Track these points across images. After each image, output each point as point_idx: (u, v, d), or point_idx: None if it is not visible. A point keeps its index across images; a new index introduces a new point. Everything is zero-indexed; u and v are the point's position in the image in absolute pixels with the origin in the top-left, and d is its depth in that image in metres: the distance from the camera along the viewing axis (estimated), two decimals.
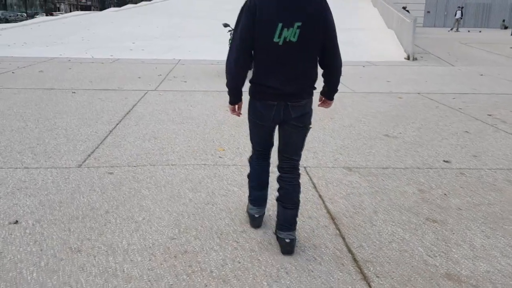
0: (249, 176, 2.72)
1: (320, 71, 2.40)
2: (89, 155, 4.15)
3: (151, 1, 36.16)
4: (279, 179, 2.52)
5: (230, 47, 2.34)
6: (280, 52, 2.23)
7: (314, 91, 2.41)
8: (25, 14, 54.54)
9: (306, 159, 4.12)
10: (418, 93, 7.61)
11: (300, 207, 2.58)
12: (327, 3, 2.29)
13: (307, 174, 3.75)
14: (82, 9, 73.43)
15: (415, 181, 3.64)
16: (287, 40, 2.21)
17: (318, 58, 2.34)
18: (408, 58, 12.53)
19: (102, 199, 3.18)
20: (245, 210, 2.96)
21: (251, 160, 2.68)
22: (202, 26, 19.21)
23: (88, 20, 21.75)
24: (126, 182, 3.51)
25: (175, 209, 3.04)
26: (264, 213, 2.79)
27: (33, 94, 6.90)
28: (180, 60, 11.74)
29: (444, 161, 4.17)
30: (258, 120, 2.43)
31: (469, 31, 29.20)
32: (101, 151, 4.26)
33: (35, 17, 42.92)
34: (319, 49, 2.31)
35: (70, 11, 71.63)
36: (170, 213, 2.98)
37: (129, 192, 3.31)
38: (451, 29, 30.51)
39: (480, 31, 29.77)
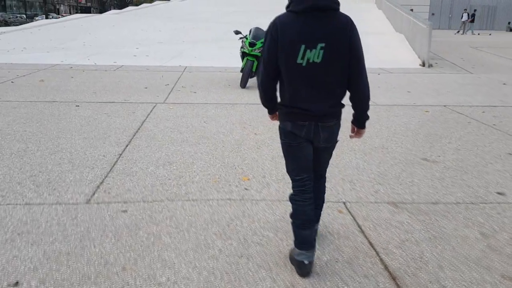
0: (291, 215, 2.48)
1: (347, 94, 2.37)
2: (98, 186, 3.68)
3: (152, 4, 35.74)
4: None
5: (258, 70, 2.37)
6: (304, 73, 2.23)
7: (342, 109, 2.40)
8: (25, 16, 54.10)
9: (344, 191, 3.65)
10: (444, 106, 7.15)
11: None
12: (353, 24, 2.25)
13: (349, 212, 3.28)
14: (81, 11, 72.89)
15: (473, 222, 3.17)
16: (311, 61, 2.21)
17: (344, 79, 2.31)
18: (423, 65, 12.07)
19: (117, 249, 2.71)
20: (287, 261, 2.61)
21: (292, 195, 2.48)
22: (205, 31, 18.78)
23: (89, 23, 21.29)
24: (142, 224, 3.04)
25: (203, 265, 2.57)
26: (314, 259, 2.47)
27: (34, 108, 6.43)
28: (186, 67, 11.28)
29: (497, 193, 3.70)
30: (291, 140, 2.38)
31: (479, 34, 28.73)
32: (112, 181, 3.79)
33: (35, 19, 42.47)
34: (345, 70, 2.27)
35: (70, 13, 71.18)
36: (199, 271, 2.51)
37: (147, 239, 2.83)
38: (457, 31, 30.09)
39: (490, 34, 29.32)
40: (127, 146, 4.78)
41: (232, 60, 12.19)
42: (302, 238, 2.41)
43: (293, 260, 2.48)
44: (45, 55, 12.72)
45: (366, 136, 5.26)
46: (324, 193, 2.69)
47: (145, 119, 5.96)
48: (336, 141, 2.48)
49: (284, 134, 2.40)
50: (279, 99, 2.42)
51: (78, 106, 6.65)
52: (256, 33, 8.35)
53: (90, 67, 10.85)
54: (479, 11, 37.44)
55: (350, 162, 4.38)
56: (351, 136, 2.56)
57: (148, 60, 12.30)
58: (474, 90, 8.62)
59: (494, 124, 5.99)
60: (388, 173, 4.09)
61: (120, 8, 32.89)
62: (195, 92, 7.95)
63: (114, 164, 4.21)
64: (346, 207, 3.35)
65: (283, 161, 2.59)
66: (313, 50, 2.19)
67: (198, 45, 15.16)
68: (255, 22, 22.63)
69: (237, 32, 8.67)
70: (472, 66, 12.59)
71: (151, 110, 6.48)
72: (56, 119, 5.82)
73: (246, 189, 3.68)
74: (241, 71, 8.44)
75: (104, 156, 4.45)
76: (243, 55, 8.46)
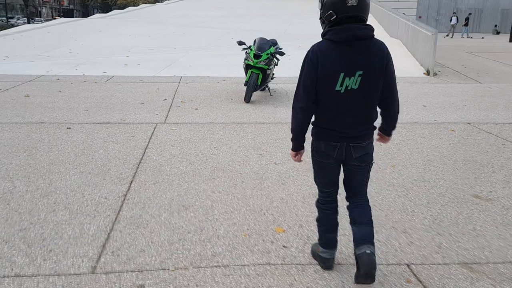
0: (318, 220, 2.71)
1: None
2: (103, 245, 3.02)
3: (139, 7, 34.87)
4: (349, 205, 2.60)
5: (295, 95, 2.42)
6: (342, 99, 2.32)
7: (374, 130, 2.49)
8: (5, 19, 52.65)
9: (401, 246, 3.05)
10: (468, 123, 6.62)
11: None
12: (389, 52, 2.34)
13: (420, 282, 2.67)
14: (64, 13, 71.08)
15: None
16: (349, 88, 2.30)
17: (377, 102, 2.42)
18: (428, 74, 11.58)
19: None
20: (312, 255, 2.91)
21: (319, 204, 2.69)
22: (197, 36, 18.11)
23: (74, 28, 20.43)
24: None
25: None
26: (335, 255, 2.76)
27: (20, 132, 5.71)
28: (181, 77, 10.59)
29: None
30: (322, 159, 2.50)
31: (471, 38, 28.56)
32: (119, 237, 3.13)
33: (15, 20, 41.10)
34: (379, 94, 2.37)
35: (52, 16, 69.51)
36: None
37: None
38: (447, 35, 29.91)
39: (482, 38, 29.19)
40: (131, 183, 4.11)
41: (229, 70, 11.56)
42: (327, 240, 2.69)
43: (316, 256, 2.80)
44: (29, 64, 11.91)
45: (400, 165, 4.69)
46: (370, 212, 2.60)
47: (147, 144, 5.29)
48: (371, 162, 2.55)
49: (318, 152, 2.51)
50: (313, 119, 2.49)
51: (69, 128, 5.94)
52: (261, 44, 7.74)
53: (79, 78, 10.10)
54: (464, 15, 37.35)
55: (394, 202, 3.78)
56: (377, 140, 2.64)
57: (140, 69, 11.59)
58: (491, 104, 8.12)
59: None
60: (443, 218, 3.50)
61: (104, 11, 31.96)
62: (197, 109, 7.30)
63: (119, 210, 3.54)
64: (413, 273, 2.75)
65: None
66: (352, 78, 2.27)
67: (191, 53, 14.47)
68: (247, 27, 22.03)
69: (240, 43, 8.04)
70: (477, 74, 12.16)
71: (152, 133, 5.81)
72: (46, 147, 5.12)
73: (285, 246, 3.05)
74: (246, 84, 7.81)
75: (105, 198, 3.77)
76: (247, 67, 7.83)
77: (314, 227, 3.25)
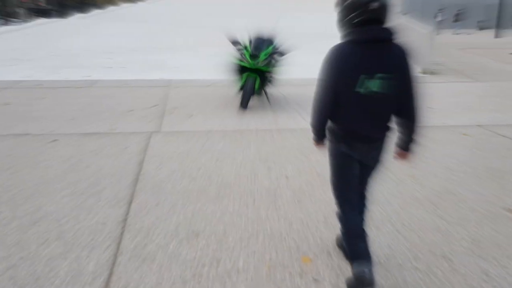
0: (344, 233, 2.56)
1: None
2: (107, 285, 2.59)
3: (119, 6, 34.12)
4: None
5: (316, 95, 2.42)
6: (362, 101, 2.30)
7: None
8: None
9: (445, 275, 2.72)
10: (479, 126, 6.34)
11: None
12: (410, 55, 2.30)
13: None
14: (40, 13, 69.13)
15: None
16: (369, 90, 2.28)
17: (397, 105, 2.37)
18: (425, 72, 11.33)
19: None
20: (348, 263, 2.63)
21: (342, 214, 2.58)
22: (183, 36, 17.62)
23: (54, 29, 19.74)
24: None
25: None
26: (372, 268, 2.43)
27: (2, 146, 5.23)
28: (170, 81, 10.13)
29: None
30: (344, 161, 2.49)
31: (458, 34, 28.59)
32: (124, 274, 2.71)
33: None
34: (399, 98, 2.33)
35: (30, 16, 67.74)
36: None
37: None
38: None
39: (469, 34, 29.27)
40: (130, 204, 3.68)
41: (218, 72, 11.13)
42: (361, 249, 2.44)
43: (352, 278, 2.41)
44: (8, 69, 11.30)
45: (420, 175, 4.36)
46: (365, 217, 2.65)
47: (143, 158, 4.85)
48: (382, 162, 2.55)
49: (337, 155, 2.51)
50: (329, 123, 2.49)
51: (55, 140, 5.46)
52: (258, 43, 7.23)
53: (61, 83, 9.57)
54: (450, 10, 37.48)
55: (424, 220, 3.44)
56: (394, 157, 2.57)
57: (126, 72, 11.09)
58: (497, 104, 7.87)
59: None
60: (480, 238, 3.17)
61: (81, 11, 30.94)
62: (191, 115, 6.87)
63: (120, 239, 3.12)
64: None
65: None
66: (372, 80, 2.26)
67: (177, 54, 14.00)
68: (234, 25, 21.59)
69: (234, 43, 7.53)
70: (474, 72, 11.97)
71: (147, 144, 5.37)
72: (32, 163, 4.65)
73: (315, 279, 2.68)
74: (241, 89, 7.35)
75: (103, 224, 3.35)
76: (242, 69, 7.31)
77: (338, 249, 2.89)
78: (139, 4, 34.50)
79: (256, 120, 6.60)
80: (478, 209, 3.63)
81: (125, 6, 33.59)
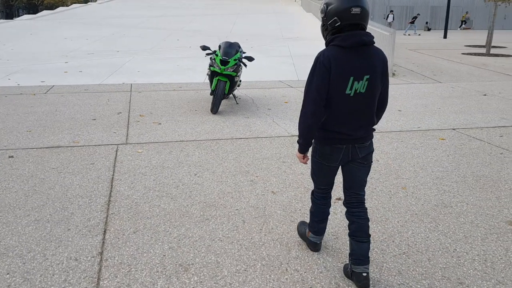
0: (312, 212, 2.89)
1: None
2: None
3: (70, 7, 32.73)
4: (349, 215, 2.67)
5: (305, 100, 2.45)
6: (350, 102, 2.42)
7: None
8: None
9: None
10: (454, 129, 6.29)
11: None
12: (386, 56, 2.48)
13: None
14: None
15: None
16: (357, 91, 2.41)
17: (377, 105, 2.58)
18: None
19: None
20: (299, 235, 3.15)
21: (315, 199, 2.86)
22: (139, 38, 16.98)
23: (2, 31, 18.54)
24: None
25: None
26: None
27: None
28: (132, 85, 9.63)
29: None
30: (326, 162, 2.60)
31: (409, 35, 29.31)
32: None
33: None
34: (378, 96, 2.53)
35: None
36: None
37: None
38: None
39: (419, 34, 30.06)
40: (104, 233, 3.27)
41: (183, 75, 10.75)
42: (319, 229, 2.90)
43: (305, 238, 3.04)
44: None
45: (411, 186, 4.18)
46: (368, 223, 2.65)
47: (113, 175, 4.42)
48: (371, 162, 2.65)
49: (322, 156, 2.60)
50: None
51: (12, 157, 4.92)
52: (227, 49, 7.01)
53: (14, 90, 8.87)
54: (397, 12, 38.48)
55: (429, 239, 3.23)
56: None
57: (84, 77, 10.46)
58: (463, 106, 7.91)
59: None
60: (492, 258, 2.98)
61: (30, 12, 29.41)
62: (160, 123, 6.45)
63: (98, 279, 2.71)
64: None
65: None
66: (360, 82, 2.38)
67: (137, 57, 13.41)
68: (190, 27, 21.10)
69: (204, 48, 7.25)
70: (433, 73, 12.16)
71: (115, 158, 4.93)
72: None
73: None
74: (212, 93, 7.05)
75: (76, 260, 2.92)
76: (213, 74, 7.07)
77: (353, 285, 2.62)
78: (92, 4, 33.24)
79: (229, 127, 6.27)
80: (480, 224, 3.46)
81: (75, 6, 32.26)
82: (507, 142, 5.67)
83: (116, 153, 5.09)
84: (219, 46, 7.18)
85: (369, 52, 2.41)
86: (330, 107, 2.44)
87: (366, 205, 3.62)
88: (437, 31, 32.05)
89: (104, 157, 4.97)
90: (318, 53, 2.41)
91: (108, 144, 5.43)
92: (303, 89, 9.20)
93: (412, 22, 30.69)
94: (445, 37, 27.04)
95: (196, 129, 6.17)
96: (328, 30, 2.42)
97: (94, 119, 6.65)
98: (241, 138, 5.73)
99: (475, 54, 17.29)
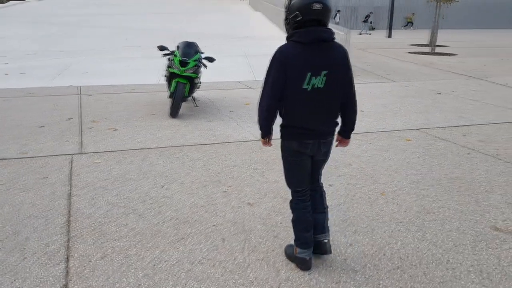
0: (294, 221, 2.79)
1: None
2: None
3: (6, 4, 30.85)
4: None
5: (261, 94, 2.51)
6: (309, 97, 2.47)
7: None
8: None
9: None
10: (417, 129, 6.30)
11: None
12: (347, 52, 2.55)
13: None
14: None
15: None
16: (315, 86, 2.46)
17: (340, 101, 2.60)
18: None
19: None
20: (288, 258, 2.91)
21: (294, 205, 2.77)
22: (84, 38, 16.17)
23: None
24: None
25: None
26: (312, 255, 2.78)
27: None
28: (80, 87, 9.05)
29: None
30: (296, 157, 2.62)
31: (360, 34, 29.82)
32: None
33: None
34: (342, 93, 2.56)
35: None
36: None
37: None
38: None
39: (370, 34, 30.70)
40: (67, 261, 2.89)
41: (135, 76, 10.26)
42: (305, 239, 2.72)
43: (295, 258, 2.80)
44: None
45: (389, 192, 4.07)
46: (325, 195, 2.87)
47: (70, 190, 4.00)
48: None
49: (290, 152, 2.63)
50: (281, 121, 2.60)
51: None
52: (187, 49, 6.67)
53: None
54: (343, 12, 39.19)
55: (420, 250, 3.10)
56: (336, 146, 2.84)
57: (26, 79, 9.72)
58: (422, 105, 7.99)
59: (496, 154, 5.21)
60: (486, 268, 2.89)
61: None
62: (116, 129, 6.02)
63: None
64: None
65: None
66: (318, 77, 2.45)
67: (84, 57, 12.69)
68: (140, 25, 20.36)
69: (161, 48, 6.86)
70: (386, 73, 12.32)
71: (71, 170, 4.49)
72: None
73: None
74: (170, 96, 6.69)
75: None
76: (171, 76, 6.70)
77: None
78: (30, 1, 31.47)
79: (192, 132, 5.94)
80: (466, 231, 3.38)
81: (12, 3, 30.43)
82: (471, 141, 5.72)
83: (71, 165, 4.65)
84: (177, 46, 6.82)
85: (329, 48, 2.46)
86: (289, 102, 2.50)
87: (348, 213, 3.58)
88: (381, 31, 32.89)
89: (57, 169, 4.52)
90: (277, 48, 2.46)
91: (61, 154, 4.96)
92: None
93: (365, 21, 31.32)
94: (389, 36, 27.78)
95: (156, 135, 5.80)
96: (290, 24, 2.48)
97: (43, 126, 6.11)
98: (206, 144, 5.42)
99: (421, 53, 17.79)
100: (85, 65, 11.49)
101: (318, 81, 2.44)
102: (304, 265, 2.77)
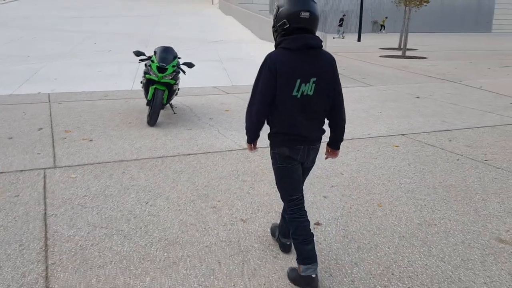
0: (293, 234, 2.61)
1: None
2: None
3: None
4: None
5: (251, 100, 2.51)
6: (299, 104, 2.47)
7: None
8: None
9: None
10: (403, 135, 6.20)
11: None
12: (335, 59, 2.55)
13: None
14: None
15: None
16: (305, 94, 2.46)
17: (328, 108, 2.58)
18: None
19: None
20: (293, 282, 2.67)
21: (291, 214, 2.64)
22: (53, 42, 15.55)
23: None
24: None
25: None
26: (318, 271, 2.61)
27: None
28: (49, 95, 8.60)
29: None
30: (287, 164, 2.59)
31: (334, 38, 29.93)
32: None
33: None
34: (330, 100, 2.55)
35: None
36: None
37: None
38: None
39: (343, 37, 30.86)
40: None
41: (107, 82, 9.85)
42: (307, 253, 2.57)
43: (299, 278, 2.59)
44: None
45: (386, 203, 3.91)
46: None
47: (45, 210, 3.67)
48: None
49: (281, 159, 2.60)
50: (270, 128, 2.61)
51: None
52: (164, 55, 6.37)
53: None
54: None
55: (429, 267, 2.93)
56: (326, 158, 2.87)
57: None
58: (402, 109, 7.94)
59: (485, 160, 5.15)
60: (498, 285, 2.74)
61: None
62: (91, 140, 5.67)
63: None
64: None
65: None
66: (307, 84, 2.45)
67: (52, 62, 12.14)
68: (108, 29, 19.78)
69: (138, 53, 6.54)
70: (361, 77, 12.30)
71: (44, 187, 4.15)
72: None
73: None
74: (148, 103, 6.38)
75: None
76: (148, 82, 6.39)
77: None
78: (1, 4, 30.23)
79: (173, 141, 5.66)
80: (472, 244, 3.24)
81: None
82: (458, 146, 5.66)
83: (45, 180, 4.30)
84: (155, 52, 6.51)
85: (317, 55, 2.46)
86: (279, 109, 2.48)
87: (348, 228, 3.42)
88: (349, 34, 33.20)
89: (30, 186, 4.16)
90: (266, 55, 2.45)
91: (32, 169, 4.60)
92: (240, 96, 8.78)
93: (340, 25, 31.52)
94: (359, 40, 28.04)
95: (135, 145, 5.48)
96: (278, 32, 2.48)
97: (11, 138, 5.70)
98: (189, 154, 5.15)
99: (392, 56, 17.96)
100: (54, 70, 10.98)
101: (308, 88, 2.44)
102: (310, 285, 2.56)
